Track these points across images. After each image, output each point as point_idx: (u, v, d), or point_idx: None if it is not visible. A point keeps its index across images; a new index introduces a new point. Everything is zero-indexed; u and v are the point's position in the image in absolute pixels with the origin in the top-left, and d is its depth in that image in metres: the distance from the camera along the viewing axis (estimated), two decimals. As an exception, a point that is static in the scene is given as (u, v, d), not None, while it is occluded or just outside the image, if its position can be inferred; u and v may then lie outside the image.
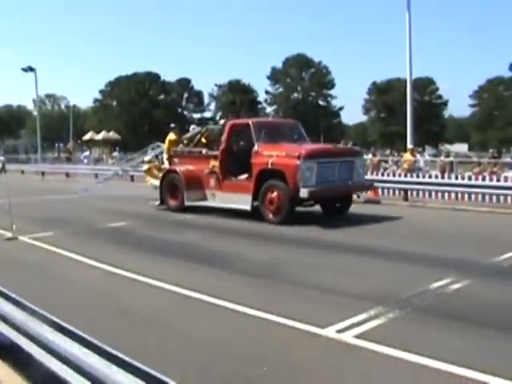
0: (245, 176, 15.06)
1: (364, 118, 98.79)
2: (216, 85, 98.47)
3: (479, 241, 11.70)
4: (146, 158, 20.41)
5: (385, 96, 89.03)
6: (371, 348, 5.53)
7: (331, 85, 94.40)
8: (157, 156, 19.70)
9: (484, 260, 9.67)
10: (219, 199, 15.65)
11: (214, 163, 15.72)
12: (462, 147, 71.68)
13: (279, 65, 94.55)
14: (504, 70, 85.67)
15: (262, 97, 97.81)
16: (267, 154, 14.40)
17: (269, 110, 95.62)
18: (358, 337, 5.82)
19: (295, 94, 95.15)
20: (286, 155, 14.13)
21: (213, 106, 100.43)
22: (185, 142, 18.01)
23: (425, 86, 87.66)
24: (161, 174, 17.70)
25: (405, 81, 28.25)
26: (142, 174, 21.66)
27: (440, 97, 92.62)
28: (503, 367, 5.00)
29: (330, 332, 5.95)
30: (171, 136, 18.16)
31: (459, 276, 8.29)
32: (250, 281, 8.44)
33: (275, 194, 14.01)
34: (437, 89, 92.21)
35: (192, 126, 19.21)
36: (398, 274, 8.80)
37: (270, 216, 14.07)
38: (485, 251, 10.33)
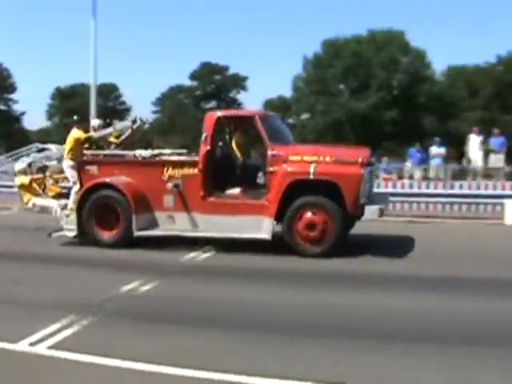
0: (237, 190, 11.26)
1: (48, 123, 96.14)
2: None
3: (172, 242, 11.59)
4: (18, 168, 13.35)
5: (69, 101, 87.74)
6: (66, 357, 5.47)
7: (12, 89, 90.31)
8: (30, 164, 13.30)
9: (170, 261, 10.14)
10: (185, 224, 11.16)
11: (173, 172, 11.19)
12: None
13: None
14: (185, 78, 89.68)
15: None
16: (297, 160, 10.56)
17: None
18: (51, 347, 5.72)
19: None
20: (336, 161, 10.45)
21: None
22: (100, 142, 12.95)
23: (109, 91, 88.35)
24: (56, 188, 12.97)
25: (89, 86, 28.20)
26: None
27: (124, 103, 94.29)
28: (200, 360, 5.31)
29: (22, 346, 5.76)
30: (77, 133, 12.62)
31: (149, 277, 8.61)
32: None
33: (316, 214, 10.30)
34: (120, 95, 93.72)
35: (95, 122, 13.74)
36: (88, 281, 8.78)
37: (308, 246, 10.32)
38: (172, 252, 10.75)
